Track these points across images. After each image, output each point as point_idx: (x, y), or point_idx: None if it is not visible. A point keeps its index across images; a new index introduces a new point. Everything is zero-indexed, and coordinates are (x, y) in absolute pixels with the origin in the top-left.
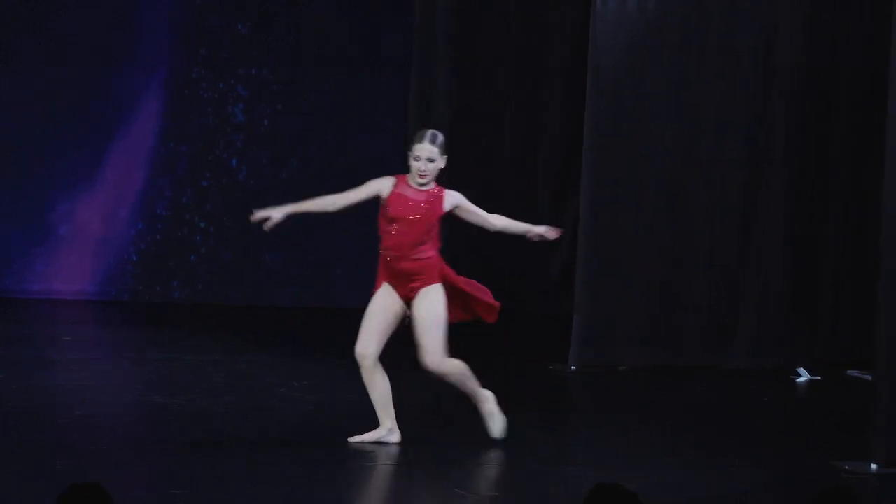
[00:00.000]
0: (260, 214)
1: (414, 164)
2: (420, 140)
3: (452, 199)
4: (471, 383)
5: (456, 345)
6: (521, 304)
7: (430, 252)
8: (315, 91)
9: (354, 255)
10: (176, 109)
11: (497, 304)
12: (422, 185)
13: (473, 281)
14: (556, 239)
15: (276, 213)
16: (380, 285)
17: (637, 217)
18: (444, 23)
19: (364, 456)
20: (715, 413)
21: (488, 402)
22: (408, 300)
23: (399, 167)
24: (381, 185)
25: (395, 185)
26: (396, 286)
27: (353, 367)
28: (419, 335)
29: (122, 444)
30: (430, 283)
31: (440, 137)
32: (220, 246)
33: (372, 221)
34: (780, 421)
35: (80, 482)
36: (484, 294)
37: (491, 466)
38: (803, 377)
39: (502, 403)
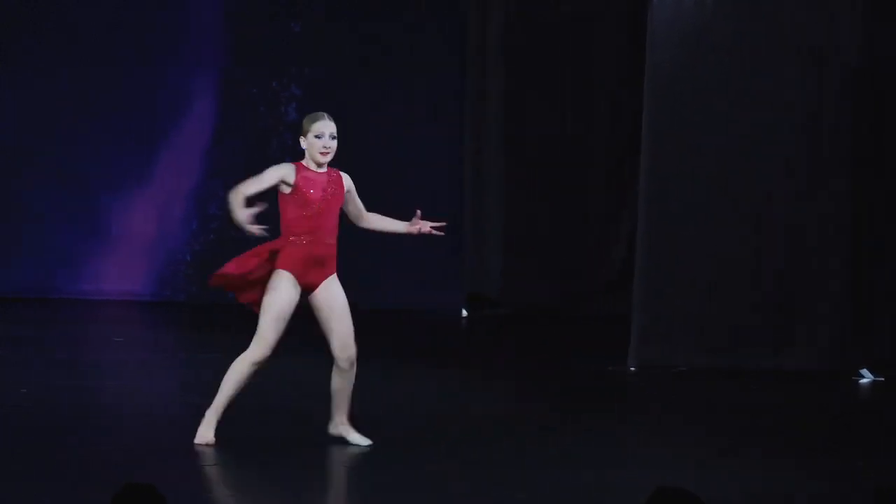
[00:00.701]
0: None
1: (316, 143)
2: (319, 118)
3: (347, 181)
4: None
5: (512, 343)
6: (578, 304)
7: (333, 238)
8: (369, 90)
9: (405, 253)
10: (229, 108)
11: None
12: (321, 165)
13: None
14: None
15: (247, 224)
16: (279, 273)
17: (695, 216)
18: (496, 21)
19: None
20: (775, 416)
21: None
22: (308, 288)
23: (455, 168)
24: (285, 172)
25: (298, 170)
26: (304, 274)
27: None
28: (338, 323)
29: (175, 446)
30: (334, 270)
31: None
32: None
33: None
34: (843, 423)
35: (135, 483)
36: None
37: (547, 471)
38: (866, 378)
39: (560, 404)
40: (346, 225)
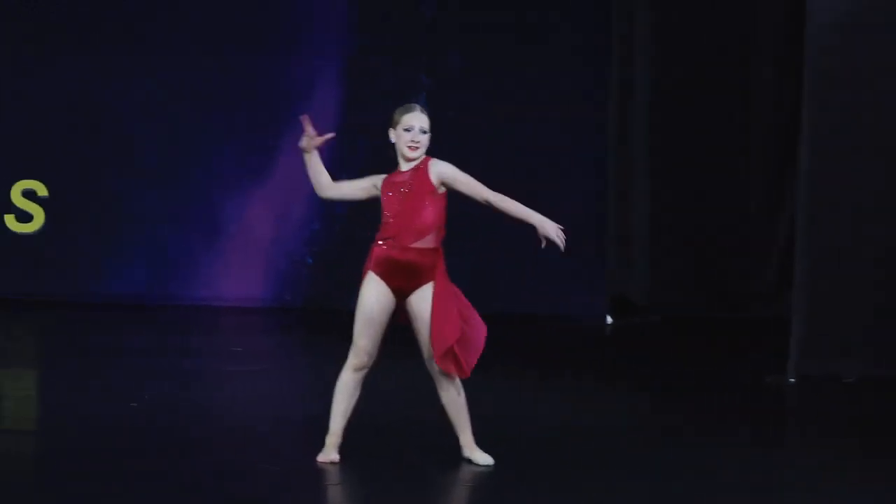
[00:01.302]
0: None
1: (404, 136)
2: (411, 110)
3: (438, 167)
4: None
5: (659, 352)
6: (734, 309)
7: (432, 244)
8: (504, 81)
9: (547, 257)
10: (353, 100)
11: (467, 363)
12: (411, 160)
13: (476, 316)
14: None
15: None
16: (367, 275)
17: (860, 217)
18: (643, 9)
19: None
20: None
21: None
22: (400, 294)
23: (598, 164)
24: (375, 178)
25: (388, 176)
26: (390, 278)
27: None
28: (420, 332)
29: (297, 464)
30: (431, 279)
31: (425, 108)
32: None
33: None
34: None
35: None
36: (471, 341)
37: (693, 496)
38: None
39: (711, 420)
40: (485, 228)
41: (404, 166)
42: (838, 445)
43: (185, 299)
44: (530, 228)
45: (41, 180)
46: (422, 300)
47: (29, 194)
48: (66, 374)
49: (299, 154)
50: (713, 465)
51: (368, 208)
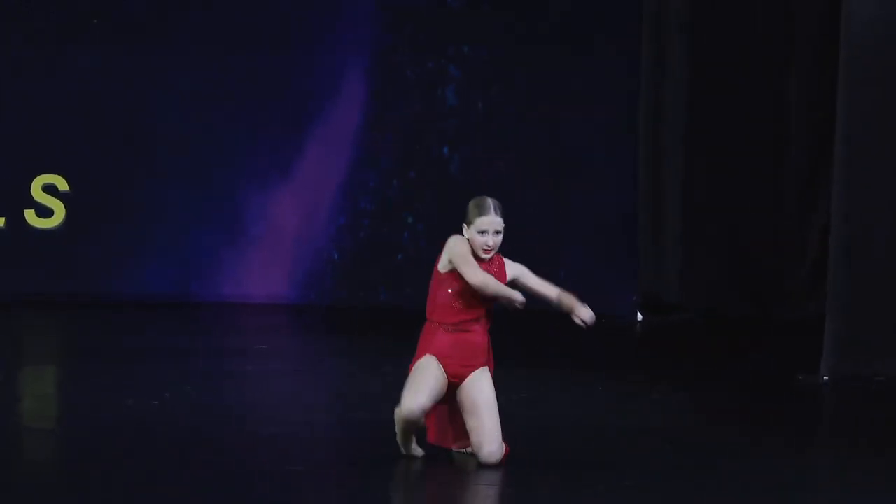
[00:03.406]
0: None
1: (478, 239)
2: (485, 212)
3: (513, 268)
4: None
5: (691, 351)
6: (766, 308)
7: (486, 329)
8: (533, 75)
9: (577, 255)
10: (380, 94)
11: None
12: (484, 259)
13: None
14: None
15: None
16: (422, 355)
17: (894, 216)
18: (676, 7)
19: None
20: None
21: None
22: (455, 378)
23: (629, 158)
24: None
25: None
26: (449, 361)
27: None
28: (478, 420)
29: (324, 465)
30: (484, 364)
31: (501, 207)
32: (430, 245)
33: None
34: None
35: None
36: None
37: (726, 494)
38: None
39: (743, 418)
40: (518, 229)
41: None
42: (870, 444)
43: (210, 297)
44: (561, 229)
45: (62, 175)
46: (475, 383)
47: (49, 189)
48: (87, 372)
49: (326, 148)
50: (745, 463)
51: (397, 203)
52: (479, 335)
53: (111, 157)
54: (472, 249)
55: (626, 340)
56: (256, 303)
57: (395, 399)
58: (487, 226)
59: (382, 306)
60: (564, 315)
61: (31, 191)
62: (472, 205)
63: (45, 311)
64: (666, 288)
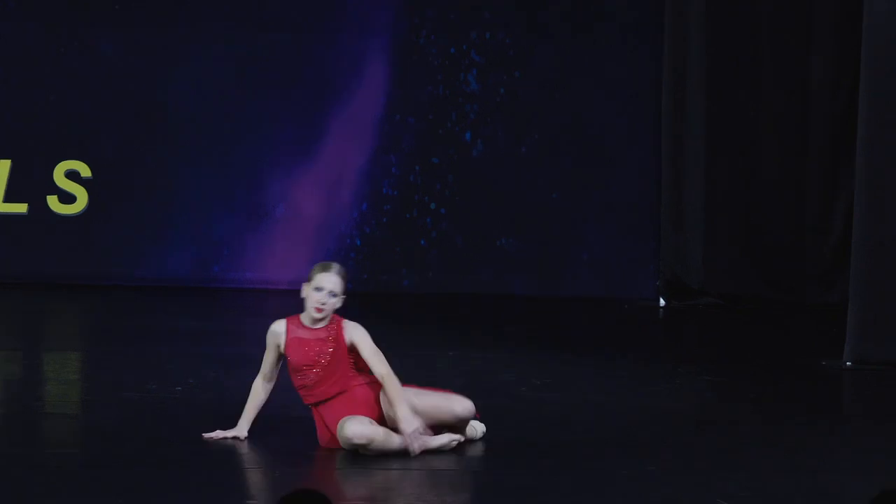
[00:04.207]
0: (210, 436)
1: (312, 296)
2: (324, 269)
3: (350, 333)
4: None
5: (714, 335)
6: (789, 293)
7: (362, 381)
8: (556, 60)
9: (599, 239)
10: (402, 78)
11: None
12: (317, 320)
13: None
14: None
15: (232, 433)
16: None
17: None
18: None
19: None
20: None
21: None
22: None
23: (650, 141)
24: (276, 338)
25: (288, 331)
26: (334, 420)
27: (600, 365)
28: (425, 398)
29: (333, 453)
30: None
31: (343, 270)
32: (452, 229)
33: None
34: None
35: (305, 488)
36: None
37: (752, 476)
38: None
39: (766, 403)
40: (540, 214)
41: (312, 324)
42: (894, 429)
43: (231, 282)
44: (584, 213)
45: (84, 161)
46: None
47: (72, 175)
48: (110, 357)
49: (348, 133)
50: (766, 447)
51: (420, 187)
52: (342, 402)
53: (133, 142)
54: (307, 308)
55: (649, 325)
56: (279, 288)
57: (418, 384)
58: (324, 283)
59: (405, 291)
60: (585, 301)
61: (54, 177)
62: (316, 265)
63: (68, 296)
64: (688, 272)
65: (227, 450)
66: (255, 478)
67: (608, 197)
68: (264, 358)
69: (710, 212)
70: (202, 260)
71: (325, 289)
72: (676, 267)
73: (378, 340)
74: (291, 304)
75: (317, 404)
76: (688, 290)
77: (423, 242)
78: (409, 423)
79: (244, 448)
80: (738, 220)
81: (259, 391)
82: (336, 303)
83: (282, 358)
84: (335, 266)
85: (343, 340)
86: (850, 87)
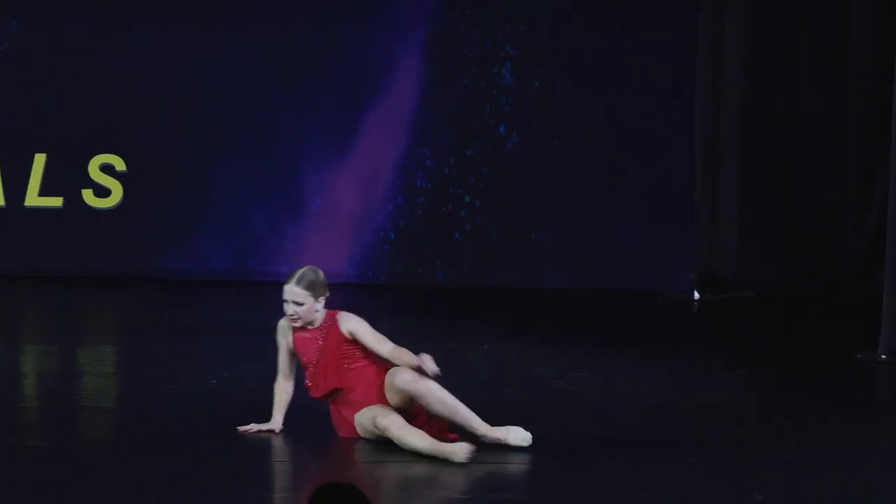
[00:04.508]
0: (245, 429)
1: (284, 306)
2: (289, 280)
3: (346, 324)
4: None
5: (749, 329)
6: (824, 286)
7: (368, 375)
8: (591, 52)
9: (634, 232)
10: (437, 71)
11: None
12: (306, 323)
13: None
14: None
15: (267, 426)
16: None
17: None
18: None
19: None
20: None
21: None
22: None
23: (684, 134)
24: (284, 336)
25: (293, 329)
26: (349, 410)
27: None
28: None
29: (370, 448)
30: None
31: (309, 277)
32: (487, 222)
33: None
34: None
35: (339, 482)
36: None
37: (788, 470)
38: None
39: (801, 397)
40: (575, 205)
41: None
42: None
43: (267, 275)
44: (618, 206)
45: (119, 155)
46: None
47: (107, 169)
48: (146, 350)
49: (383, 126)
50: (802, 441)
51: (455, 180)
52: (353, 396)
53: (169, 136)
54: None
55: (684, 318)
56: None
57: (453, 378)
58: (286, 296)
59: (439, 285)
60: (619, 294)
61: (89, 171)
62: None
63: (102, 290)
64: (723, 265)
65: (261, 442)
66: (288, 470)
67: (643, 189)
68: (279, 358)
69: (745, 205)
70: (238, 253)
71: (288, 301)
72: (711, 260)
73: (412, 333)
74: (329, 299)
75: (326, 397)
76: (723, 284)
77: (457, 235)
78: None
79: (279, 441)
80: (774, 214)
81: (281, 390)
82: (308, 308)
83: (294, 355)
84: (297, 274)
85: (339, 333)
86: (889, 80)
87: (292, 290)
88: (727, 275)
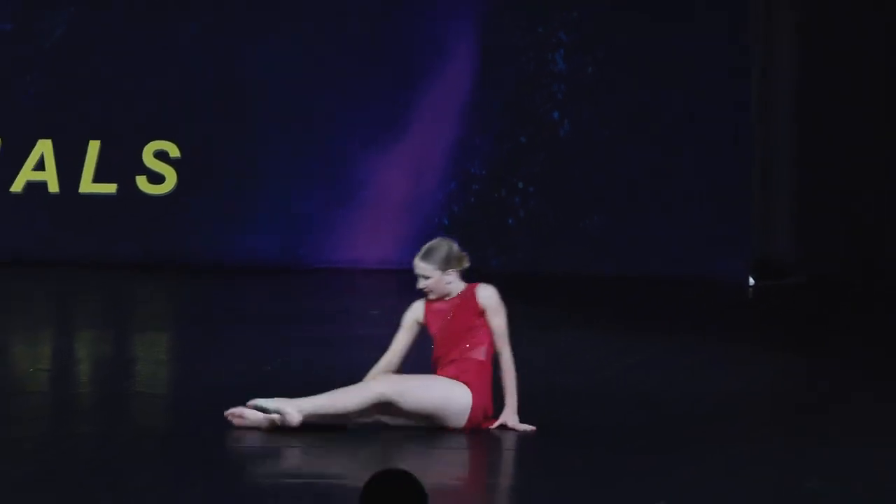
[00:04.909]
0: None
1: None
2: (416, 258)
3: (483, 297)
4: None
5: (804, 316)
6: (879, 273)
7: (476, 355)
8: (645, 39)
9: (689, 218)
10: (489, 58)
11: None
12: (442, 295)
13: None
14: None
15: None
16: None
17: None
18: None
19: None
20: None
21: None
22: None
23: (741, 117)
24: (415, 312)
25: (427, 305)
26: None
27: (688, 345)
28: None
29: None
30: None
31: (435, 250)
32: (540, 209)
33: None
34: None
35: (393, 468)
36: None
37: (840, 456)
38: None
39: (856, 384)
40: (630, 192)
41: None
42: None
43: (319, 262)
44: (672, 193)
45: (173, 141)
46: None
47: (161, 155)
48: (198, 337)
49: (435, 113)
50: (858, 429)
51: (508, 167)
52: (453, 365)
53: (222, 123)
54: None
55: (738, 304)
56: (365, 268)
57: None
58: (416, 269)
59: (492, 271)
60: (674, 281)
61: (143, 157)
62: None
63: (156, 277)
64: (778, 252)
65: (308, 429)
66: (334, 457)
67: (697, 176)
68: (398, 335)
69: (801, 192)
70: (289, 240)
71: (418, 275)
72: (766, 247)
73: None
74: (379, 285)
75: (437, 363)
76: (778, 270)
77: (510, 222)
78: (510, 420)
79: (327, 427)
80: (830, 201)
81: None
82: (437, 281)
83: (419, 331)
84: (424, 248)
85: (474, 303)
86: None
87: (418, 265)
88: (782, 261)
